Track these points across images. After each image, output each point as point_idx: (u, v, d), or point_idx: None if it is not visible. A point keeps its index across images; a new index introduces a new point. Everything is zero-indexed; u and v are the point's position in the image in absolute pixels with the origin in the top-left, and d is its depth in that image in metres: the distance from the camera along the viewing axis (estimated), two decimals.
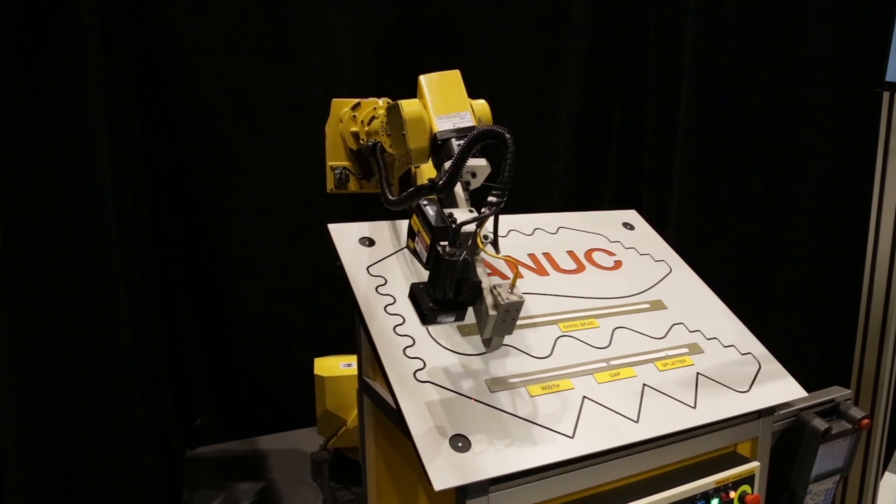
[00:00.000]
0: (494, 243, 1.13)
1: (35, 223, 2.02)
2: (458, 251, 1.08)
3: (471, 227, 1.08)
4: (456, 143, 1.19)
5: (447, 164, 1.14)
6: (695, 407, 1.43)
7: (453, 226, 1.10)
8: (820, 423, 1.62)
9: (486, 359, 1.41)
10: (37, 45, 2.00)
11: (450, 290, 1.09)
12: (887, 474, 2.77)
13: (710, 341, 1.62)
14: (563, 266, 1.72)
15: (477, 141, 1.11)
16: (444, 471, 1.17)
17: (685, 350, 1.57)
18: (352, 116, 2.31)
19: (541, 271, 1.68)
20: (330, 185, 2.39)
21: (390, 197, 1.49)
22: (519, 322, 1.50)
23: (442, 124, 1.20)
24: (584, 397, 1.38)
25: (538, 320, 1.54)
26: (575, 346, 1.50)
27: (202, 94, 3.38)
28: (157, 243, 3.18)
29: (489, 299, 1.12)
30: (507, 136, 1.08)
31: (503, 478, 1.22)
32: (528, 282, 1.64)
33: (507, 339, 1.45)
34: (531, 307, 1.57)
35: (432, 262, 1.10)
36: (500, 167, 1.09)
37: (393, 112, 1.28)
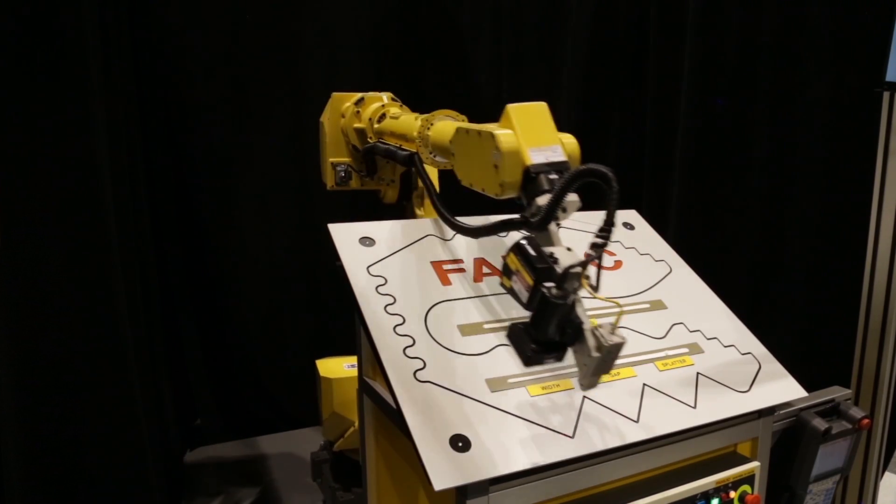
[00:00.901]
0: (596, 284, 1.11)
1: (35, 223, 2.02)
2: (565, 293, 1.06)
3: (578, 269, 1.05)
4: (546, 178, 1.15)
5: (540, 200, 1.12)
6: (695, 407, 1.43)
7: (556, 267, 1.07)
8: (820, 423, 1.62)
9: (486, 359, 1.41)
10: (37, 46, 2.00)
11: (554, 331, 1.08)
12: (887, 474, 2.77)
13: (710, 341, 1.62)
14: None
15: (578, 179, 1.08)
16: (444, 471, 1.17)
17: (685, 350, 1.57)
18: (355, 112, 2.24)
19: None
20: (330, 181, 2.33)
21: (460, 222, 1.44)
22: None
23: (535, 157, 1.15)
24: (584, 397, 1.37)
25: None
26: None
27: (202, 93, 3.38)
28: (157, 243, 3.18)
29: (592, 341, 1.08)
30: (611, 176, 1.06)
31: (503, 478, 1.22)
32: None
33: (507, 339, 1.46)
34: None
35: (537, 303, 1.07)
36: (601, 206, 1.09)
37: (475, 138, 1.21)
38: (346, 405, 2.44)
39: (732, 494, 1.46)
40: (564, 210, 1.12)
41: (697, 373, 1.52)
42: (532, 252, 1.10)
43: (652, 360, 1.51)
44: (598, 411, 1.36)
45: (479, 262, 1.64)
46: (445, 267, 1.60)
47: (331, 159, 2.32)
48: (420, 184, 2.39)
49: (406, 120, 1.92)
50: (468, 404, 1.30)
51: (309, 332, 3.75)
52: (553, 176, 1.14)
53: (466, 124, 1.33)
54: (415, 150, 1.76)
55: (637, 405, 1.40)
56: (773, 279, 2.85)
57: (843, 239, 2.61)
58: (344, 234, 1.60)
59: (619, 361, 1.47)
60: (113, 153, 2.37)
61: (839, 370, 2.43)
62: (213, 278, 3.60)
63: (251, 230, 3.58)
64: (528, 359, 1.11)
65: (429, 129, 1.65)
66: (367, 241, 1.60)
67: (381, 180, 2.35)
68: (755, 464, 1.51)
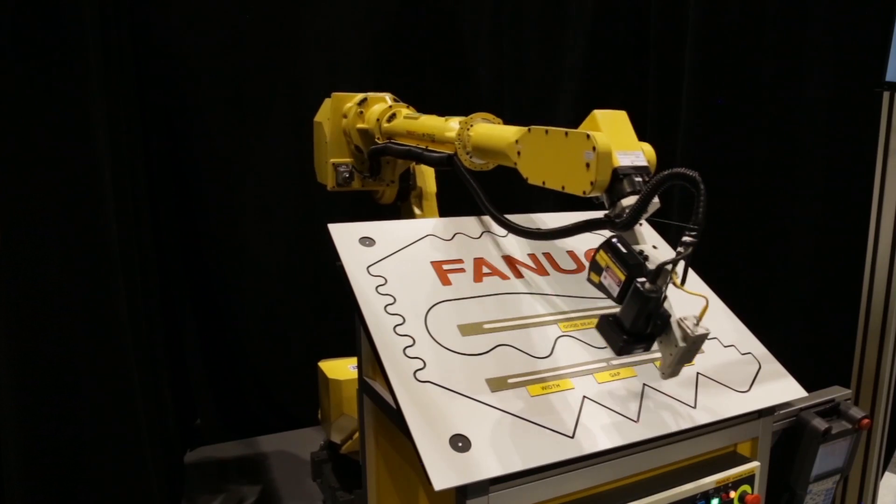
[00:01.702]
0: (683, 279, 1.17)
1: (35, 223, 2.02)
2: (658, 288, 1.13)
3: (668, 266, 1.12)
4: (631, 181, 1.21)
5: (625, 201, 1.18)
6: (695, 407, 1.43)
7: (648, 264, 1.15)
8: (820, 423, 1.62)
9: (486, 359, 1.41)
10: (38, 47, 2.00)
11: (644, 324, 1.15)
12: (887, 474, 2.77)
13: (710, 341, 1.62)
14: (563, 266, 1.72)
15: (666, 181, 1.14)
16: (444, 471, 1.17)
17: None
18: (358, 112, 2.23)
19: (541, 271, 1.68)
20: (331, 182, 2.31)
21: (541, 227, 1.49)
22: (519, 322, 1.51)
23: (622, 160, 1.21)
24: (584, 397, 1.38)
25: (538, 320, 1.54)
26: (575, 346, 1.50)
27: (202, 93, 3.38)
28: (157, 243, 3.18)
29: (678, 332, 1.16)
30: (698, 179, 1.13)
31: (503, 478, 1.22)
32: (528, 282, 1.64)
33: (507, 339, 1.46)
34: (531, 307, 1.57)
35: (630, 297, 1.14)
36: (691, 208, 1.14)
37: (559, 138, 1.26)
38: (356, 407, 2.43)
39: (732, 494, 1.46)
40: (646, 211, 1.19)
41: (697, 373, 1.52)
42: (623, 249, 1.17)
43: (652, 360, 1.51)
44: (598, 411, 1.36)
45: (479, 262, 1.64)
46: (445, 267, 1.60)
47: (332, 160, 2.30)
48: (419, 184, 2.39)
49: (430, 121, 1.90)
50: (468, 404, 1.30)
51: (309, 332, 3.75)
52: (637, 179, 1.20)
53: (543, 127, 1.36)
54: (451, 152, 1.74)
55: (637, 405, 1.40)
56: (773, 279, 2.85)
57: (843, 239, 2.61)
58: (344, 234, 1.60)
59: (618, 361, 1.49)
60: (113, 153, 2.37)
61: (839, 370, 2.43)
62: (214, 278, 3.60)
63: (251, 230, 3.59)
64: (620, 349, 1.18)
65: (468, 130, 1.66)
66: (367, 241, 1.60)
67: (381, 181, 2.34)
68: (755, 464, 1.51)
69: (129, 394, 2.29)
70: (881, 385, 2.30)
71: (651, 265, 1.15)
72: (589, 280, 1.25)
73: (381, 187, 2.38)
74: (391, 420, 1.46)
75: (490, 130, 1.62)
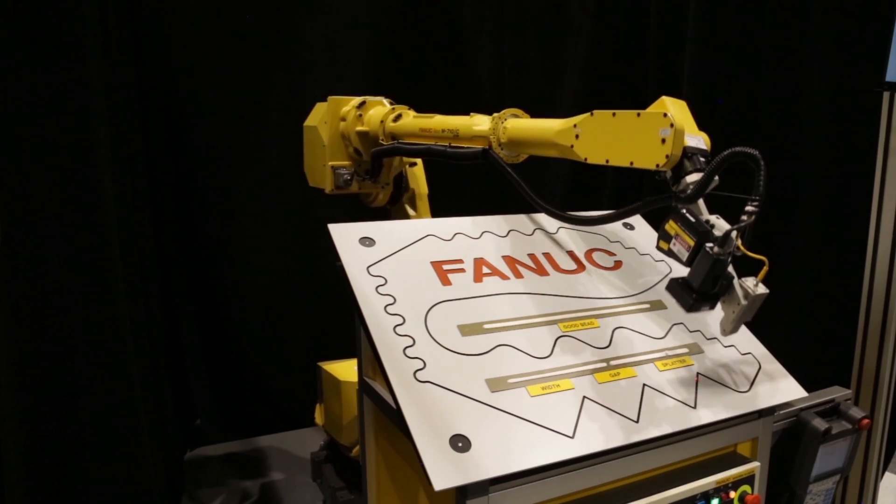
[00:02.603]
0: (744, 245, 1.29)
1: (35, 223, 2.02)
2: (725, 251, 1.26)
3: (734, 233, 1.26)
4: (696, 160, 1.33)
5: (689, 178, 1.32)
6: (695, 407, 1.43)
7: (715, 230, 1.29)
8: (820, 423, 1.62)
9: (486, 359, 1.41)
10: (38, 47, 2.00)
11: (711, 284, 1.29)
12: (887, 474, 2.77)
13: (710, 341, 1.62)
14: (563, 266, 1.72)
15: (730, 159, 1.27)
16: (444, 471, 1.17)
17: (685, 350, 1.57)
18: (357, 115, 2.24)
19: (541, 271, 1.68)
20: (330, 185, 2.32)
21: (575, 214, 1.61)
22: (519, 322, 1.51)
23: (690, 141, 1.33)
24: (584, 397, 1.38)
25: (538, 320, 1.54)
26: (575, 346, 1.50)
27: (203, 95, 3.38)
28: (157, 243, 3.18)
29: (740, 291, 1.30)
30: (759, 155, 1.26)
31: (503, 478, 1.22)
32: (528, 282, 1.64)
33: (507, 339, 1.46)
34: (531, 307, 1.57)
35: (700, 259, 1.29)
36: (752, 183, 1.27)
37: (630, 118, 1.38)
38: None
39: (732, 494, 1.46)
40: (707, 190, 1.31)
41: (697, 373, 1.52)
42: (691, 219, 1.32)
43: (652, 360, 1.51)
44: (598, 411, 1.36)
45: (479, 262, 1.64)
46: (445, 267, 1.60)
47: (331, 163, 2.31)
48: (412, 186, 2.41)
49: (450, 118, 1.93)
50: (468, 404, 1.30)
51: (309, 332, 3.75)
52: (701, 158, 1.34)
53: (608, 110, 1.48)
54: (480, 147, 1.79)
55: (637, 405, 1.40)
56: (773, 279, 2.85)
57: (843, 239, 2.61)
58: (344, 235, 1.60)
59: (618, 361, 1.49)
60: (113, 153, 2.37)
61: (839, 370, 2.43)
62: (213, 278, 3.60)
63: (251, 230, 3.58)
64: (690, 307, 1.32)
65: (503, 123, 1.74)
66: (367, 241, 1.60)
67: (378, 183, 2.35)
68: (755, 464, 1.51)
69: (129, 394, 2.29)
70: (881, 385, 2.30)
71: (717, 232, 1.28)
72: (658, 248, 1.38)
73: (376, 190, 2.39)
74: (391, 420, 1.46)
75: (531, 123, 1.71)
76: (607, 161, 1.44)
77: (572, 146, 1.52)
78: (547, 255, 1.74)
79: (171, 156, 3.40)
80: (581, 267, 1.74)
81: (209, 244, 3.55)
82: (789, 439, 1.65)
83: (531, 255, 1.72)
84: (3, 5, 1.91)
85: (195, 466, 3.38)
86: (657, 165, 1.33)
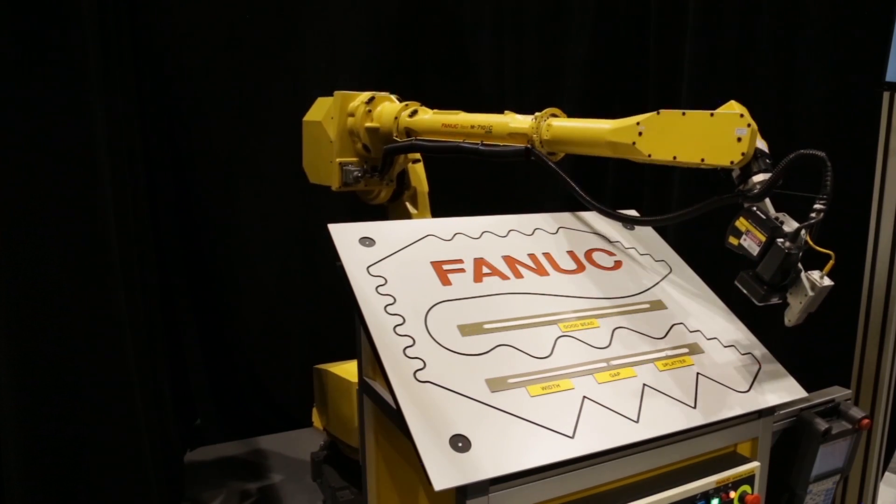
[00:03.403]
0: (813, 240, 1.37)
1: (35, 223, 2.02)
2: (796, 246, 1.34)
3: (804, 231, 1.35)
4: (761, 162, 1.42)
5: (756, 178, 1.41)
6: (695, 407, 1.43)
7: (785, 227, 1.37)
8: (820, 423, 1.62)
9: (486, 359, 1.41)
10: (37, 47, 2.00)
11: (780, 276, 1.37)
12: (887, 474, 2.77)
13: (710, 341, 1.62)
14: (563, 266, 1.72)
15: (798, 161, 1.35)
16: (444, 471, 1.17)
17: (685, 350, 1.57)
18: (366, 111, 2.20)
19: (541, 271, 1.68)
20: (337, 182, 2.27)
21: (664, 216, 1.66)
22: (519, 322, 1.51)
23: (758, 143, 1.42)
24: (584, 397, 1.38)
25: (538, 320, 1.54)
26: (575, 346, 1.50)
27: (202, 94, 3.38)
28: (157, 243, 3.18)
29: (807, 283, 1.39)
30: (825, 157, 1.35)
31: (503, 478, 1.22)
32: (528, 282, 1.64)
33: (507, 339, 1.46)
34: (531, 307, 1.57)
35: (772, 254, 1.36)
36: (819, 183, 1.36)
37: (703, 118, 1.45)
38: None
39: (732, 494, 1.46)
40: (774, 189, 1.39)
41: (697, 373, 1.52)
42: (762, 216, 1.40)
43: (652, 361, 1.51)
44: (598, 411, 1.36)
45: (479, 263, 1.64)
46: (445, 267, 1.60)
47: (338, 160, 2.26)
48: (413, 183, 2.39)
49: (480, 115, 1.93)
50: (468, 404, 1.30)
51: (308, 332, 3.75)
52: (766, 160, 1.42)
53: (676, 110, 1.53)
54: (526, 145, 1.81)
55: (637, 405, 1.40)
56: None
57: (842, 239, 2.60)
58: (344, 235, 1.60)
59: (618, 361, 1.49)
60: (113, 153, 2.37)
61: (839, 370, 2.42)
62: (213, 278, 3.60)
63: (251, 230, 3.58)
64: (762, 297, 1.40)
65: (545, 122, 1.77)
66: (367, 241, 1.60)
67: (385, 180, 2.33)
68: (755, 464, 1.51)
69: (129, 394, 2.29)
70: (881, 385, 2.30)
71: (787, 229, 1.37)
72: (727, 244, 1.44)
73: (380, 187, 2.36)
74: (391, 420, 1.46)
75: (577, 122, 1.76)
76: (675, 158, 1.49)
77: (634, 143, 1.55)
78: (547, 255, 1.74)
79: (171, 155, 3.40)
80: (581, 267, 1.74)
81: (209, 244, 3.55)
82: (789, 439, 1.65)
83: (531, 255, 1.72)
84: (3, 5, 1.91)
85: (195, 466, 3.38)
86: (731, 162, 1.40)
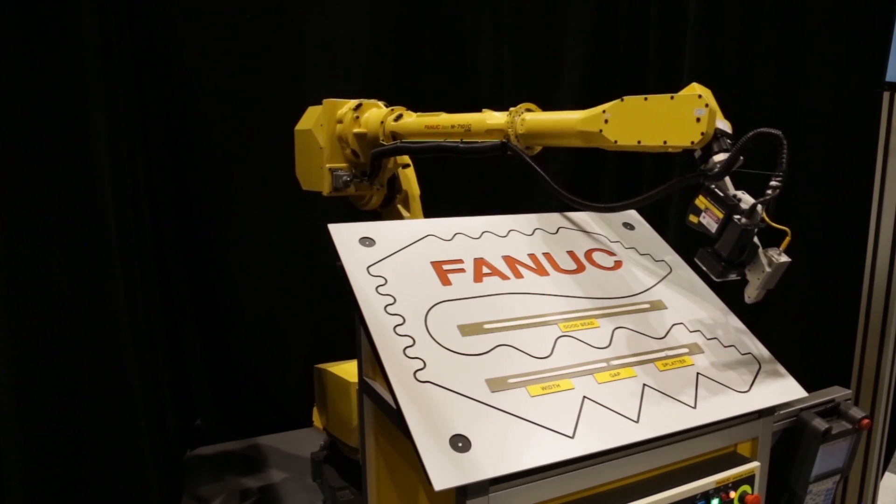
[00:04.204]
0: (768, 217, 1.39)
1: (35, 223, 2.02)
2: (752, 222, 1.36)
3: (759, 207, 1.36)
4: (722, 142, 1.43)
5: (717, 157, 1.42)
6: (695, 407, 1.43)
7: (742, 204, 1.38)
8: (820, 423, 1.62)
9: (486, 359, 1.41)
10: (37, 46, 2.00)
11: (737, 253, 1.39)
12: (887, 474, 2.77)
13: (710, 341, 1.62)
14: (563, 266, 1.72)
15: (756, 138, 1.35)
16: (444, 471, 1.17)
17: (685, 350, 1.57)
18: (354, 117, 2.25)
19: (541, 271, 1.68)
20: (328, 188, 2.33)
21: (630, 200, 1.64)
22: (519, 322, 1.51)
23: (719, 123, 1.43)
24: (584, 397, 1.38)
25: (538, 320, 1.54)
26: (575, 346, 1.50)
27: (202, 95, 3.38)
28: (157, 244, 3.18)
29: (764, 259, 1.41)
30: (782, 136, 1.36)
31: (503, 478, 1.22)
32: (528, 282, 1.64)
33: (507, 339, 1.46)
34: (531, 307, 1.57)
35: (729, 230, 1.38)
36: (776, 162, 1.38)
37: (664, 101, 1.46)
38: None
39: (732, 494, 1.46)
40: (734, 167, 1.40)
41: (697, 373, 1.52)
42: (720, 193, 1.42)
43: (652, 361, 1.51)
44: (598, 411, 1.36)
45: (479, 263, 1.65)
46: (445, 267, 1.60)
47: (328, 165, 2.31)
48: (404, 187, 2.43)
49: (460, 115, 1.96)
50: (468, 404, 1.30)
51: (308, 332, 3.75)
52: (727, 140, 1.43)
53: (639, 96, 1.54)
54: (502, 140, 1.82)
55: (637, 405, 1.40)
56: None
57: (843, 239, 2.61)
58: (344, 235, 1.60)
59: (618, 361, 1.49)
60: (113, 154, 2.37)
61: (839, 370, 2.42)
62: (213, 278, 3.60)
63: (251, 230, 3.58)
64: (720, 273, 1.42)
65: (520, 116, 1.78)
66: (367, 242, 1.60)
67: (374, 184, 2.37)
68: (755, 464, 1.51)
69: (129, 394, 2.29)
70: (881, 385, 2.30)
71: (744, 205, 1.38)
72: (688, 222, 1.47)
73: (371, 192, 2.41)
74: (391, 420, 1.46)
75: (549, 114, 1.77)
76: (639, 142, 1.51)
77: (601, 131, 1.57)
78: (547, 255, 1.74)
79: (171, 156, 3.40)
80: (581, 267, 1.74)
81: (209, 244, 3.55)
82: (789, 439, 1.65)
83: (531, 255, 1.72)
84: (3, 5, 1.91)
85: (195, 466, 3.38)
86: (692, 143, 1.41)
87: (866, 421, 1.69)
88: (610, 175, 3.56)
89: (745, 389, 1.52)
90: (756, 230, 1.39)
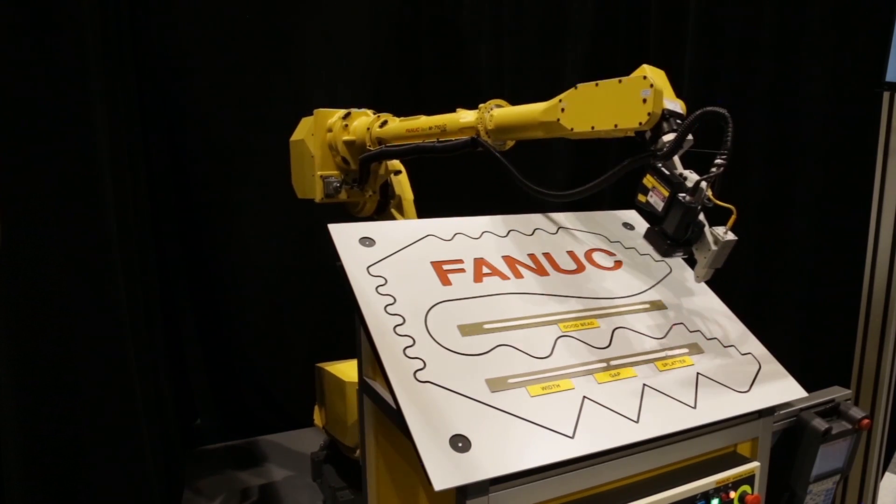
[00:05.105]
0: (714, 195, 1.40)
1: (35, 223, 2.02)
2: (696, 200, 1.37)
3: (704, 183, 1.37)
4: (672, 122, 1.44)
5: (666, 137, 1.43)
6: (695, 407, 1.43)
7: (686, 182, 1.38)
8: (820, 423, 1.62)
9: (486, 359, 1.41)
10: (37, 46, 2.00)
11: (683, 231, 1.39)
12: (887, 474, 2.77)
13: (710, 341, 1.62)
14: (563, 266, 1.72)
15: (702, 117, 1.37)
16: (444, 471, 1.17)
17: (685, 350, 1.57)
18: (343, 126, 2.32)
19: (541, 271, 1.68)
20: (320, 194, 2.39)
21: (585, 186, 1.62)
22: (519, 322, 1.51)
23: (668, 104, 1.44)
24: (584, 397, 1.37)
25: (538, 320, 1.54)
26: (575, 346, 1.50)
27: (203, 95, 3.38)
28: (157, 244, 3.18)
29: (710, 237, 1.40)
30: (727, 115, 1.36)
31: (503, 478, 1.22)
32: (528, 282, 1.64)
33: (507, 339, 1.46)
34: (531, 307, 1.57)
35: (673, 208, 1.39)
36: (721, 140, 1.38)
37: (613, 85, 1.49)
38: None
39: (732, 494, 1.46)
40: (682, 147, 1.42)
41: (697, 373, 1.52)
42: (666, 172, 1.42)
43: (652, 361, 1.51)
44: (598, 411, 1.36)
45: (479, 263, 1.64)
46: (445, 267, 1.60)
47: (320, 173, 2.38)
48: (397, 192, 2.48)
49: (435, 116, 2.00)
50: (468, 404, 1.30)
51: (309, 332, 3.75)
52: (677, 121, 1.44)
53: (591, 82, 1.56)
54: (473, 136, 1.85)
55: (637, 405, 1.40)
56: (773, 279, 2.85)
57: (843, 239, 2.61)
58: (344, 235, 1.60)
59: (618, 361, 1.49)
60: (113, 153, 2.37)
61: (839, 370, 2.43)
62: (213, 278, 3.60)
63: (251, 231, 3.58)
64: (665, 251, 1.43)
65: (489, 113, 1.81)
66: (367, 242, 1.60)
67: (365, 191, 2.43)
68: (755, 464, 1.51)
69: (129, 394, 2.29)
70: (881, 385, 2.31)
71: (689, 184, 1.39)
72: (636, 202, 1.46)
73: (364, 198, 2.46)
74: (391, 420, 1.46)
75: (516, 108, 1.78)
76: (593, 128, 1.52)
77: (558, 120, 1.59)
78: (547, 255, 1.74)
79: (171, 156, 3.40)
80: (581, 267, 1.74)
81: (209, 244, 3.55)
82: (789, 439, 1.65)
83: (531, 255, 1.72)
84: (3, 5, 1.91)
85: (195, 466, 3.38)
86: (640, 124, 1.43)
87: (866, 421, 1.69)
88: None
89: (745, 389, 1.52)
90: (701, 208, 1.39)
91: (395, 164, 2.49)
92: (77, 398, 2.12)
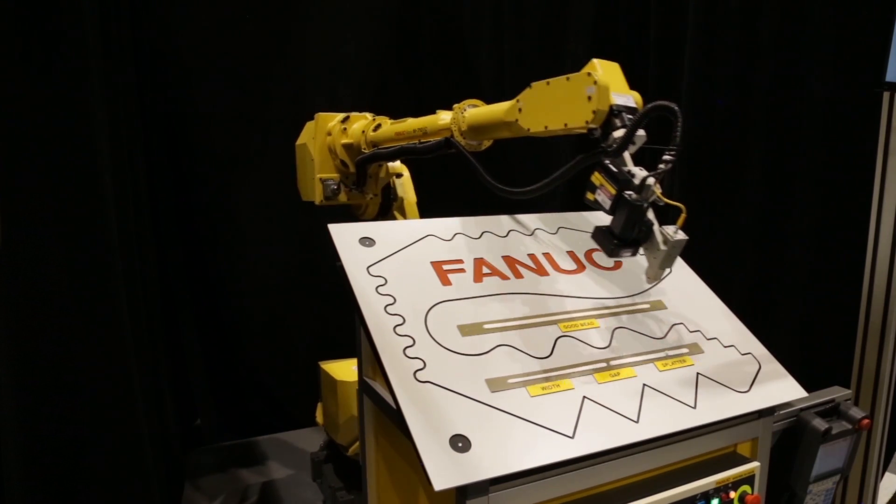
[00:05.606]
0: (664, 194, 1.37)
1: (35, 223, 2.02)
2: (643, 198, 1.32)
3: (651, 180, 1.33)
4: (623, 117, 1.39)
5: (616, 133, 1.37)
6: (695, 407, 1.43)
7: (634, 179, 1.34)
8: (820, 423, 1.62)
9: (486, 359, 1.41)
10: (38, 47, 2.00)
11: (631, 230, 1.34)
12: (887, 474, 2.77)
13: (710, 341, 1.62)
14: (563, 266, 1.72)
15: (651, 112, 1.33)
16: (444, 471, 1.17)
17: (685, 350, 1.57)
18: (342, 129, 2.34)
19: (541, 271, 1.68)
20: (319, 197, 2.41)
21: (539, 184, 1.58)
22: (519, 322, 1.51)
23: (617, 99, 1.39)
24: (584, 397, 1.37)
25: (538, 320, 1.54)
26: (575, 346, 1.50)
27: (203, 96, 3.38)
28: (157, 244, 3.18)
29: (659, 237, 1.34)
30: (677, 109, 1.31)
31: (503, 478, 1.22)
32: (527, 282, 1.64)
33: (507, 339, 1.46)
34: (531, 307, 1.57)
35: (620, 207, 1.34)
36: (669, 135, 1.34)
37: (562, 83, 1.47)
38: None
39: (732, 494, 1.46)
40: (633, 143, 1.37)
41: (697, 373, 1.52)
42: (614, 169, 1.37)
43: (652, 360, 1.51)
44: (598, 411, 1.36)
45: (479, 263, 1.65)
46: (445, 267, 1.60)
47: (319, 175, 2.40)
48: (400, 194, 2.50)
49: (420, 118, 2.00)
50: (468, 404, 1.30)
51: (309, 332, 3.75)
52: (628, 116, 1.39)
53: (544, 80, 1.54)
54: (448, 136, 1.84)
55: (637, 405, 1.40)
56: (773, 279, 2.85)
57: (843, 239, 2.61)
58: (344, 235, 1.60)
59: (618, 361, 1.49)
60: (114, 153, 2.37)
61: (839, 370, 2.43)
62: (214, 278, 3.60)
63: (251, 230, 3.58)
64: (611, 251, 1.37)
65: (462, 113, 1.79)
66: (367, 242, 1.60)
67: (365, 193, 2.44)
68: (755, 464, 1.51)
69: (129, 394, 2.29)
70: (881, 385, 2.31)
71: (636, 181, 1.34)
72: (585, 200, 1.42)
73: (365, 200, 2.47)
74: (391, 420, 1.46)
75: (485, 108, 1.76)
76: (546, 127, 1.49)
77: (517, 120, 1.56)
78: (547, 255, 1.74)
79: (172, 156, 3.40)
80: (581, 267, 1.74)
81: (209, 244, 3.55)
82: (789, 439, 1.65)
83: (531, 255, 1.72)
84: (3, 5, 1.91)
85: (195, 466, 3.38)
86: (587, 122, 1.39)
87: (866, 421, 1.69)
88: None
89: (745, 389, 1.52)
90: (648, 207, 1.35)
91: (398, 166, 2.50)
92: (77, 398, 2.12)
